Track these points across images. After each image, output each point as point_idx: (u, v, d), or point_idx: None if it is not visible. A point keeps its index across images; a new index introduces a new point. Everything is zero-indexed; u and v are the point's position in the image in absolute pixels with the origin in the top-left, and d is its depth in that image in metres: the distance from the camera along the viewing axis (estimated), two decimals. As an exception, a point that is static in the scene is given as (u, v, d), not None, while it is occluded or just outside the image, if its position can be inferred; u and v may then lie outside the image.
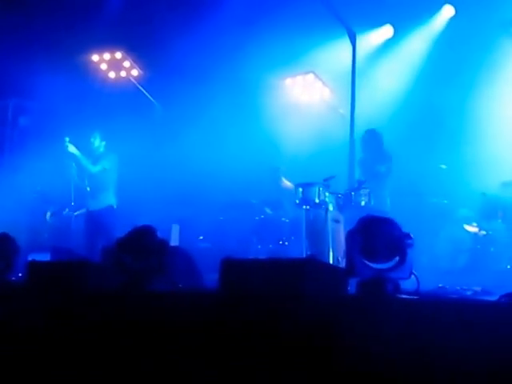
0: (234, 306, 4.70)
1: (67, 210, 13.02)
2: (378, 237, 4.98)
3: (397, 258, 4.94)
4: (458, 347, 3.89)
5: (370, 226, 5.07)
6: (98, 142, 12.13)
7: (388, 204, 10.78)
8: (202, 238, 13.03)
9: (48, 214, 13.59)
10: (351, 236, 5.11)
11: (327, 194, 10.48)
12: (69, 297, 5.38)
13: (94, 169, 11.96)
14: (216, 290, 5.08)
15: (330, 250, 10.28)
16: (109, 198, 12.05)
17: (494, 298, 4.96)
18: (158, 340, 4.79)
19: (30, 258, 7.87)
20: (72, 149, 11.83)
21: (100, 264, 6.79)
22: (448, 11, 13.34)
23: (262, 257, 11.05)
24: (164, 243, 6.14)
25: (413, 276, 4.99)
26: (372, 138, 11.53)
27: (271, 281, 4.75)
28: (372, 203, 10.47)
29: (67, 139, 11.81)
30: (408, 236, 5.00)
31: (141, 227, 6.07)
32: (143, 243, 5.92)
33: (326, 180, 10.58)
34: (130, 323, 4.97)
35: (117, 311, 5.13)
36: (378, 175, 11.02)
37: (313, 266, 4.98)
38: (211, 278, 6.15)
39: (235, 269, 5.03)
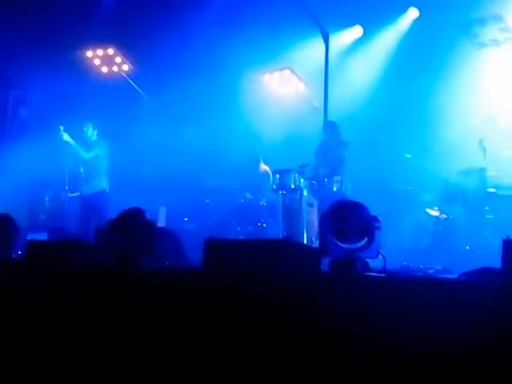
0: (216, 282, 4.69)
1: (63, 193, 12.97)
2: (348, 220, 4.99)
3: (366, 239, 4.96)
4: (421, 321, 3.90)
5: (341, 210, 5.08)
6: (90, 131, 12.20)
7: (349, 188, 10.80)
8: (187, 219, 13.01)
9: (46, 199, 13.58)
10: (324, 219, 5.11)
11: (302, 180, 10.54)
12: (65, 273, 5.36)
13: (87, 155, 12.04)
14: (200, 268, 5.07)
15: (305, 232, 10.34)
16: (101, 183, 12.11)
17: (454, 276, 5.00)
18: (146, 314, 4.77)
19: (28, 238, 7.84)
20: (66, 137, 11.90)
21: (93, 243, 6.79)
22: (413, 13, 13.34)
23: (241, 237, 11.06)
24: (152, 224, 6.13)
25: (380, 255, 5.01)
26: (332, 128, 11.54)
27: (250, 259, 4.76)
28: (343, 189, 10.53)
29: (62, 128, 11.85)
30: (376, 219, 5.01)
31: (131, 209, 6.04)
32: (133, 224, 5.90)
33: (301, 167, 10.63)
34: (121, 297, 4.95)
35: (109, 287, 5.12)
36: (341, 160, 11.03)
37: (288, 246, 5.01)
38: (196, 256, 6.15)
39: (217, 248, 5.04)
